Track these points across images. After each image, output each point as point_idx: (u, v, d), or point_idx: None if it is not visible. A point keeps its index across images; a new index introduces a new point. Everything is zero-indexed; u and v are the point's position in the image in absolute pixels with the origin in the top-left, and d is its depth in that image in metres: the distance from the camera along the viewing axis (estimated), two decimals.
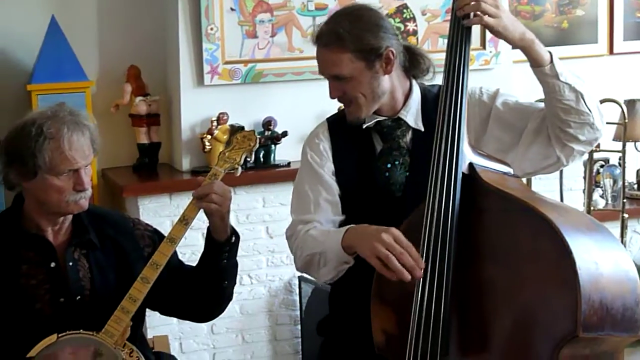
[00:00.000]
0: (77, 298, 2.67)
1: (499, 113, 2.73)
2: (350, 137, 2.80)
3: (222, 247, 2.72)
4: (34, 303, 2.64)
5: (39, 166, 2.58)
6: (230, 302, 2.90)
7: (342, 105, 2.83)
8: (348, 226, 2.61)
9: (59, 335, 2.57)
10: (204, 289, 2.77)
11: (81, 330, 2.58)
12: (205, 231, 4.06)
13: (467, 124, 2.51)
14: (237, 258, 2.73)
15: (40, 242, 2.68)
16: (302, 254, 2.72)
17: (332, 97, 2.74)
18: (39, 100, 4.16)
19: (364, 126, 2.76)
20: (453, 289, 2.33)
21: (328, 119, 2.92)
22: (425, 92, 2.80)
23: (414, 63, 2.78)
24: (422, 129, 2.74)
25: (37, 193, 2.64)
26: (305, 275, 4.31)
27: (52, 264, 2.67)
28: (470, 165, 2.45)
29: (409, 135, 2.77)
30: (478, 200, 2.39)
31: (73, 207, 2.65)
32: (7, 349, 2.60)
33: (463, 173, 2.42)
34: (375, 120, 2.76)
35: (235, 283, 2.84)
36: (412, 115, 2.77)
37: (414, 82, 2.80)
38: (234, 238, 2.74)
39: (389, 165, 2.75)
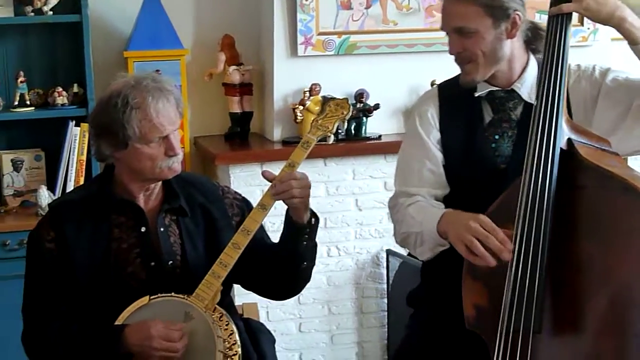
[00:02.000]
0: (169, 263, 2.69)
1: (608, 89, 2.68)
2: (460, 105, 2.78)
3: (302, 230, 2.70)
4: (125, 266, 2.68)
5: (129, 137, 2.60)
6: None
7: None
8: (445, 210, 2.60)
9: (151, 297, 2.60)
10: (282, 269, 2.76)
11: (173, 293, 2.61)
12: None
13: (575, 101, 2.48)
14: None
15: (132, 207, 2.72)
16: (400, 230, 2.73)
17: (451, 52, 2.70)
18: (135, 67, 4.21)
19: (476, 95, 2.74)
20: (548, 266, 2.30)
21: (439, 85, 2.90)
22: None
23: (536, 37, 2.75)
24: (535, 103, 2.70)
25: (129, 162, 2.66)
26: (393, 248, 4.32)
27: (143, 229, 2.70)
28: (569, 140, 2.41)
29: (519, 109, 2.74)
30: (576, 177, 2.36)
31: (167, 172, 2.67)
32: (100, 311, 2.64)
33: (561, 149, 2.39)
34: (488, 90, 2.74)
35: (314, 264, 2.82)
36: (527, 89, 2.73)
37: (532, 56, 2.77)
38: (313, 220, 2.72)
39: (496, 137, 2.73)
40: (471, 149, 2.75)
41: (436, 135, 2.79)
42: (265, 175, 2.68)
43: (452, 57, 2.73)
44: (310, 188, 2.65)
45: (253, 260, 2.74)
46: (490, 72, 2.70)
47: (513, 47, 2.70)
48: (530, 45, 2.77)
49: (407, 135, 2.87)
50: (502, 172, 2.70)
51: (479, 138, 2.75)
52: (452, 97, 2.81)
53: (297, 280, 2.82)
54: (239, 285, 2.90)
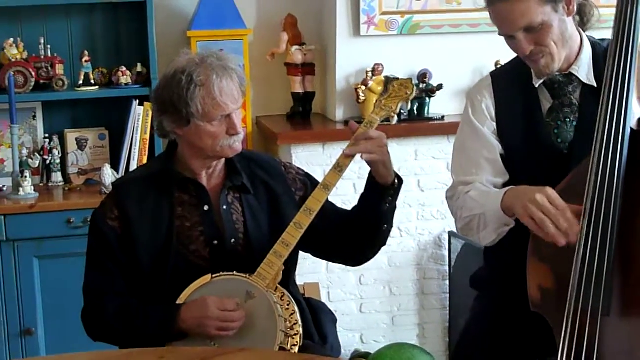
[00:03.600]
0: (232, 241, 2.70)
1: None
2: (516, 93, 2.73)
3: (387, 191, 2.68)
4: (188, 245, 2.69)
5: (191, 114, 2.61)
6: (379, 254, 2.88)
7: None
8: (508, 187, 2.57)
9: (213, 275, 2.61)
10: (362, 232, 2.75)
11: (235, 272, 2.62)
12: (356, 182, 4.12)
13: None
14: None
15: (194, 185, 2.73)
16: (461, 215, 2.70)
17: (523, 52, 2.62)
18: (198, 47, 4.23)
19: (537, 85, 2.69)
20: (617, 247, 2.26)
21: (492, 73, 2.85)
22: (595, 46, 2.71)
23: (586, 14, 2.70)
24: (595, 84, 2.65)
25: (191, 139, 2.67)
26: (455, 230, 4.28)
27: (206, 207, 2.71)
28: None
29: (578, 92, 2.69)
30: None
31: (228, 151, 2.68)
32: (162, 290, 2.66)
33: (631, 129, 2.34)
34: (546, 76, 2.69)
35: (392, 227, 2.80)
36: (584, 71, 2.68)
37: (584, 35, 2.72)
38: (397, 182, 2.70)
39: (559, 122, 2.68)
40: (532, 137, 2.70)
41: (491, 125, 2.75)
42: (351, 126, 2.66)
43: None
44: (387, 147, 2.62)
45: (326, 230, 2.74)
46: (564, 57, 2.64)
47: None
48: (580, 24, 2.71)
49: (462, 124, 2.83)
50: (565, 158, 2.66)
51: (540, 125, 2.70)
52: (506, 85, 2.77)
53: (374, 243, 2.81)
54: (299, 266, 2.89)
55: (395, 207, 2.77)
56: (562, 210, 2.31)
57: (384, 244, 2.83)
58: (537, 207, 2.32)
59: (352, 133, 2.65)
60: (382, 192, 2.68)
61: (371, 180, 2.70)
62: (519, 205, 2.40)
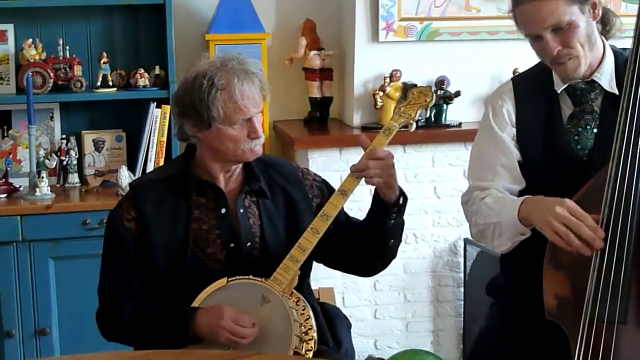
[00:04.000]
0: (247, 245, 2.70)
1: None
2: (537, 99, 2.72)
3: (391, 208, 2.69)
4: (205, 248, 2.69)
5: (213, 117, 2.61)
6: (394, 260, 2.88)
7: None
8: (524, 197, 2.57)
9: (229, 279, 2.61)
10: (369, 246, 2.76)
11: (250, 276, 2.62)
12: (372, 188, 4.11)
13: None
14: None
15: (212, 188, 2.72)
16: (476, 221, 2.69)
17: (550, 54, 2.60)
18: (217, 50, 4.23)
19: (559, 90, 2.68)
20: (634, 255, 2.25)
21: (513, 79, 2.84)
22: (617, 55, 2.70)
23: (609, 21, 2.69)
24: (617, 92, 2.63)
25: (212, 143, 2.67)
26: (470, 237, 4.27)
27: (223, 210, 2.71)
28: None
29: (600, 99, 2.68)
30: None
31: (248, 155, 2.68)
32: (177, 293, 2.66)
33: None
34: (568, 83, 2.68)
35: (400, 242, 2.81)
36: (606, 78, 2.67)
37: (606, 43, 2.71)
38: (402, 199, 2.70)
39: (579, 129, 2.67)
40: (552, 143, 2.69)
41: (511, 131, 2.74)
42: (362, 142, 2.66)
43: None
44: (393, 168, 2.63)
45: (338, 238, 2.75)
46: (589, 61, 2.63)
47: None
48: (602, 32, 2.71)
49: (481, 129, 2.83)
50: (584, 165, 2.65)
51: (560, 132, 2.69)
52: (528, 91, 2.76)
53: (383, 257, 2.82)
54: (315, 271, 2.89)
55: (402, 223, 2.77)
56: (583, 219, 2.30)
57: (394, 257, 2.84)
58: (558, 220, 2.33)
59: (363, 149, 2.65)
60: (386, 209, 2.69)
61: (376, 197, 2.70)
62: (540, 219, 2.41)
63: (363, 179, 2.64)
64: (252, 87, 2.64)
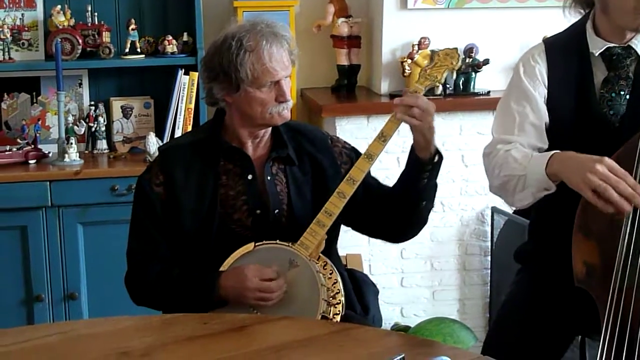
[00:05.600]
0: (275, 212, 2.70)
1: None
2: (570, 62, 2.70)
3: (425, 166, 2.65)
4: (232, 213, 2.69)
5: (241, 79, 2.61)
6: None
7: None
8: (552, 152, 2.53)
9: (256, 243, 2.62)
10: (401, 208, 2.72)
11: (278, 241, 2.62)
12: (399, 156, 4.11)
13: None
14: None
15: (239, 154, 2.73)
16: (499, 173, 2.65)
17: (633, 5, 2.55)
18: (244, 17, 4.21)
19: (596, 53, 2.66)
20: None
21: (545, 41, 2.81)
22: None
23: None
24: None
25: (240, 106, 2.67)
26: (498, 206, 4.26)
27: (249, 177, 2.71)
28: None
29: (634, 65, 2.66)
30: None
31: (277, 119, 2.67)
32: (205, 257, 2.67)
33: None
34: (605, 47, 2.66)
35: (433, 205, 2.77)
36: None
37: None
38: (437, 158, 2.67)
39: (612, 95, 2.65)
40: (584, 108, 2.67)
41: (543, 91, 2.72)
42: (394, 100, 2.61)
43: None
44: (433, 116, 2.58)
45: (368, 202, 2.73)
46: None
47: None
48: None
49: (511, 87, 2.78)
50: (616, 131, 2.63)
51: (593, 96, 2.67)
52: (560, 53, 2.74)
53: (414, 221, 2.78)
54: (341, 238, 2.89)
55: (435, 185, 2.73)
56: (623, 177, 2.28)
57: (425, 222, 2.80)
58: (599, 176, 2.30)
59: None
60: (421, 166, 2.65)
61: (411, 154, 2.67)
62: (577, 176, 2.37)
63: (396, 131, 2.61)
64: (281, 50, 2.63)
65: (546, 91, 2.71)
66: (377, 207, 2.77)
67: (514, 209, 2.85)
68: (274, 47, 2.61)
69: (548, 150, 2.66)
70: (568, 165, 2.43)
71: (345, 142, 2.90)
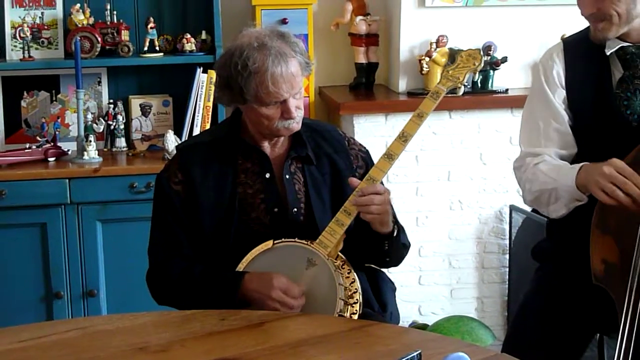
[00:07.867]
0: (294, 211, 2.70)
1: None
2: (587, 61, 2.70)
3: (384, 239, 2.68)
4: (250, 212, 2.70)
5: (246, 97, 2.61)
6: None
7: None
8: (581, 164, 2.55)
9: (275, 241, 2.62)
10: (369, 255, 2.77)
11: (296, 239, 2.63)
12: (418, 154, 4.11)
13: None
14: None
15: (257, 153, 2.73)
16: (531, 188, 2.68)
17: (584, 13, 2.63)
18: (263, 15, 4.23)
19: (608, 53, 2.66)
20: None
21: (564, 39, 2.81)
22: None
23: None
24: None
25: (249, 116, 2.69)
26: (516, 204, 4.26)
27: (267, 175, 2.71)
28: None
29: None
30: None
31: (284, 132, 2.68)
32: (223, 255, 2.68)
33: None
34: (619, 46, 2.65)
35: (403, 255, 2.82)
36: None
37: None
38: (395, 232, 2.68)
39: (628, 94, 2.65)
40: (601, 107, 2.67)
41: (562, 94, 2.72)
42: (351, 182, 2.62)
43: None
44: (389, 204, 2.61)
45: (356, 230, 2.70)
46: (623, 31, 2.63)
47: None
48: None
49: (532, 93, 2.81)
50: (634, 130, 2.63)
51: (610, 95, 2.67)
52: (578, 53, 2.74)
53: (385, 265, 2.83)
54: None
55: (399, 246, 2.75)
56: (631, 177, 2.29)
57: (401, 260, 2.84)
58: (606, 179, 2.31)
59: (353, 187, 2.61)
60: (380, 239, 2.68)
61: (370, 227, 2.66)
62: (592, 181, 2.41)
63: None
64: (286, 70, 2.59)
65: (564, 92, 2.71)
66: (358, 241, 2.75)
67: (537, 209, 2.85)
68: (280, 68, 2.58)
69: (578, 153, 2.68)
70: (588, 174, 2.47)
71: (361, 145, 2.90)
